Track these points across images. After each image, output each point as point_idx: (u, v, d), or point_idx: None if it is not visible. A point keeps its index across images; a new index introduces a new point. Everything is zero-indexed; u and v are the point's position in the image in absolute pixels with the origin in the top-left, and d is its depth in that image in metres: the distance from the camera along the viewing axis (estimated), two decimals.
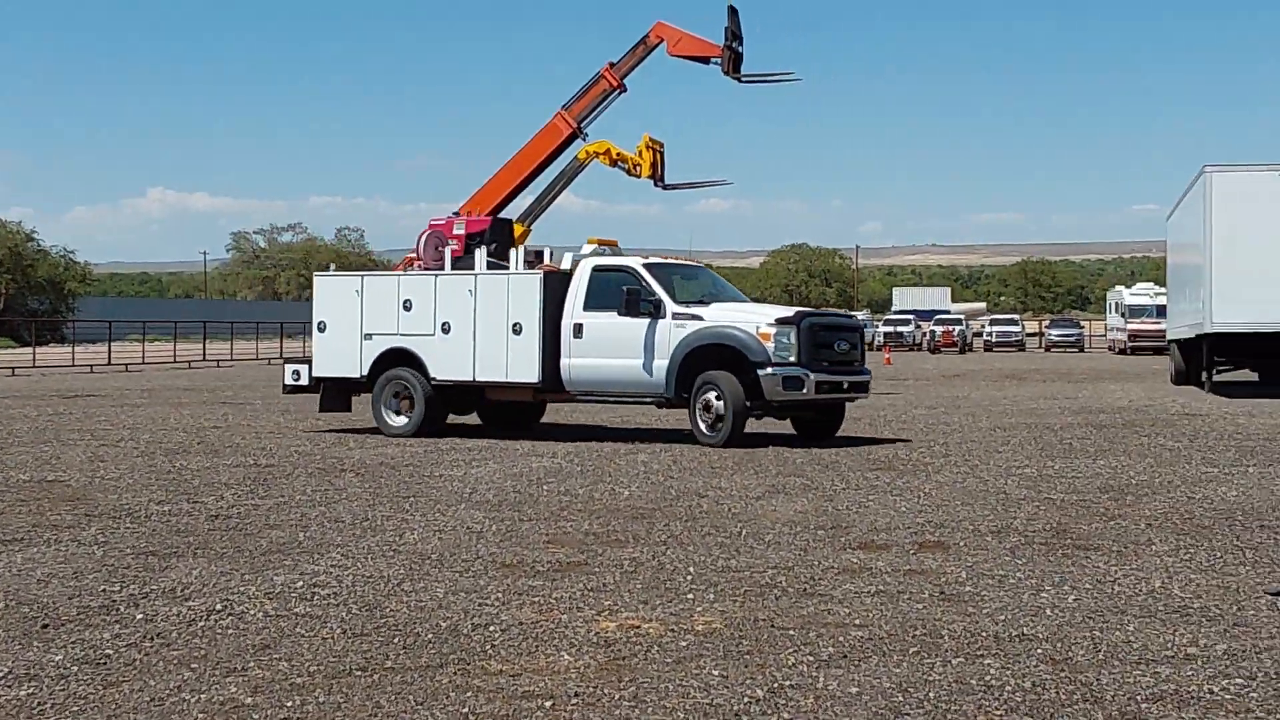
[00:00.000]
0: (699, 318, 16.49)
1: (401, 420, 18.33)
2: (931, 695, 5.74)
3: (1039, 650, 6.48)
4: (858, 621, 7.13)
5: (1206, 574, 8.47)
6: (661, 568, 8.81)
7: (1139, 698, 5.66)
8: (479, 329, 17.50)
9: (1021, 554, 9.24)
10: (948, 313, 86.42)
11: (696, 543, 9.83)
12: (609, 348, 16.82)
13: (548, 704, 5.69)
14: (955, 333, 74.65)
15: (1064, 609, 7.43)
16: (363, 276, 19.64)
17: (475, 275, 17.92)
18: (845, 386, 16.98)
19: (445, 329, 17.84)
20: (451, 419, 19.55)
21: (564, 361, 17.17)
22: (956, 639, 6.72)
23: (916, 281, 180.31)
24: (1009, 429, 20.17)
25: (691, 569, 8.74)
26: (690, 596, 7.87)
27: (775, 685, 5.92)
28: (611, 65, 28.11)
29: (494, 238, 18.87)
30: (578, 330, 17.06)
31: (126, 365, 49.31)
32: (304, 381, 19.79)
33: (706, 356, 16.20)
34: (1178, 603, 7.59)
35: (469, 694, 5.85)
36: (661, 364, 16.36)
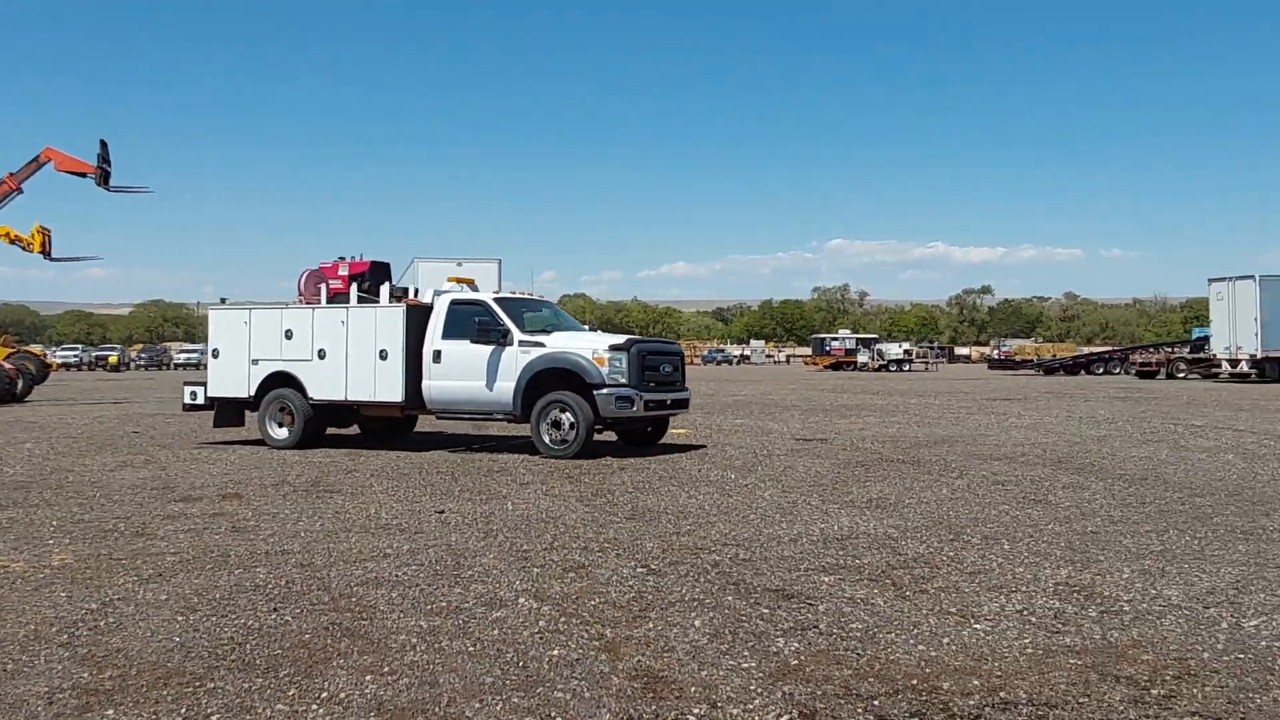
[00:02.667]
0: (542, 344, 12.79)
1: (283, 433, 13.68)
2: (218, 595, 5.55)
3: (293, 559, 6.47)
4: (172, 551, 6.70)
5: (402, 504, 8.82)
6: (32, 523, 7.73)
7: (354, 583, 5.86)
8: (350, 355, 13.44)
9: (290, 498, 9.11)
10: None
11: (61, 504, 8.70)
12: (464, 371, 13.00)
13: None
14: None
15: (313, 532, 7.44)
16: (250, 309, 14.38)
17: (347, 308, 13.64)
18: (669, 403, 13.33)
19: (321, 355, 13.57)
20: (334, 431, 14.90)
21: (425, 384, 13.19)
22: (240, 557, 6.53)
23: None
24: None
25: (54, 522, 7.75)
26: (51, 542, 6.97)
27: (105, 600, 5.42)
28: (11, 174, 24.96)
29: (372, 277, 14.21)
30: (437, 356, 13.13)
31: None
32: (200, 401, 14.52)
33: (550, 378, 12.67)
34: (383, 523, 7.85)
35: None
36: (508, 385, 12.71)
